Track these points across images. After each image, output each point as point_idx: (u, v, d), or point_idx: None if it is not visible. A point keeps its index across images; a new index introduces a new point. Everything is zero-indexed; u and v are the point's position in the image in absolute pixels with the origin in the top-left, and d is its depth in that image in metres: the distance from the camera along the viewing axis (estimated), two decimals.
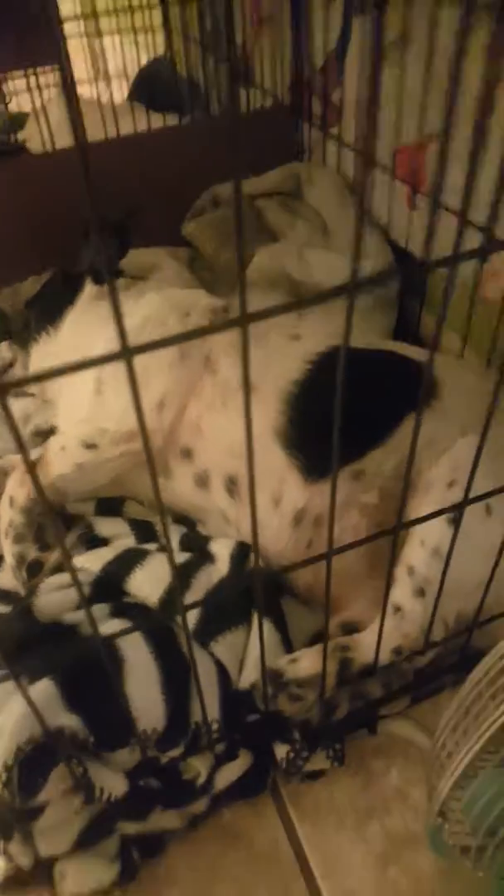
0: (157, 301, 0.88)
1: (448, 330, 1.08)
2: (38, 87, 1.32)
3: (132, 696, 0.60)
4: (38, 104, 1.34)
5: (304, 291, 1.18)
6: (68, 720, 0.58)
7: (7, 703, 0.58)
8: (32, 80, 1.32)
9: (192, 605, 0.65)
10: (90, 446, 0.78)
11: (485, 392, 0.86)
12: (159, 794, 0.62)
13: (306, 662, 0.65)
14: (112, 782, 0.59)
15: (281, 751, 0.64)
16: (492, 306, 0.99)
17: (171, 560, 0.42)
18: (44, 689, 0.59)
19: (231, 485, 0.78)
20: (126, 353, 0.30)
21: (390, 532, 0.50)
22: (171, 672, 0.63)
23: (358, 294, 0.36)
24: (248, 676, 0.66)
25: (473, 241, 0.89)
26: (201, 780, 0.63)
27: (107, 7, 1.35)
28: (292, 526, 0.75)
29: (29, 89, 1.34)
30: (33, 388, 0.94)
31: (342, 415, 0.40)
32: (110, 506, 0.87)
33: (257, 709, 0.65)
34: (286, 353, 0.80)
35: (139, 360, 0.88)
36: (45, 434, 0.92)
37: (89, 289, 0.93)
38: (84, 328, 0.89)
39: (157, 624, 0.67)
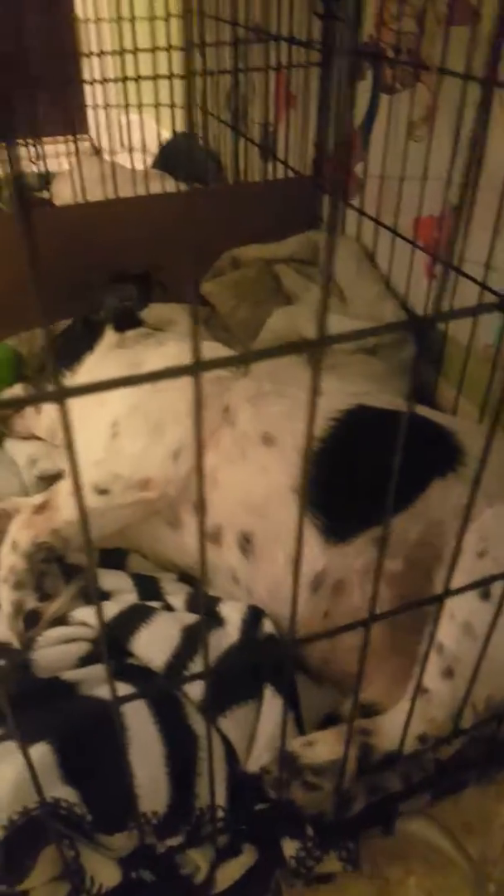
0: (177, 349, 0.86)
1: (465, 398, 1.07)
2: (77, 150, 1.42)
3: (134, 771, 0.53)
4: (71, 165, 1.43)
5: None
6: (65, 793, 0.51)
7: None
8: (71, 145, 1.44)
9: (211, 672, 0.59)
10: (102, 491, 0.74)
11: None
12: (152, 890, 0.55)
13: (324, 746, 0.59)
14: (105, 871, 0.51)
15: (290, 848, 0.57)
16: None
17: (201, 613, 0.37)
18: (40, 754, 0.52)
19: (245, 542, 0.74)
20: (195, 367, 0.27)
21: (436, 600, 0.46)
22: (176, 746, 0.56)
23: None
24: (258, 758, 0.60)
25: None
26: (200, 876, 0.55)
27: (136, 72, 1.45)
28: (310, 591, 0.70)
29: (67, 154, 1.45)
30: (43, 433, 0.91)
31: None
32: (113, 559, 0.82)
33: (266, 797, 0.58)
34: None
35: (156, 408, 0.84)
36: (51, 479, 0.88)
37: (109, 336, 0.92)
38: (102, 374, 0.87)
39: (162, 691, 0.60)
